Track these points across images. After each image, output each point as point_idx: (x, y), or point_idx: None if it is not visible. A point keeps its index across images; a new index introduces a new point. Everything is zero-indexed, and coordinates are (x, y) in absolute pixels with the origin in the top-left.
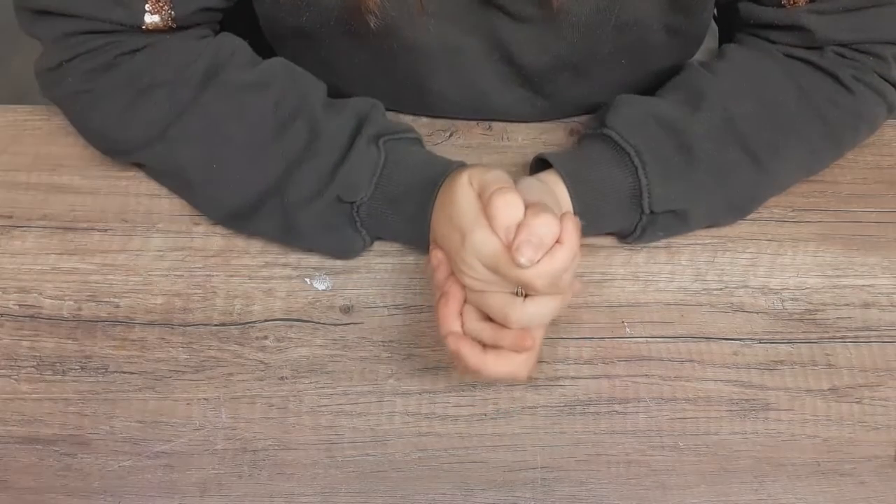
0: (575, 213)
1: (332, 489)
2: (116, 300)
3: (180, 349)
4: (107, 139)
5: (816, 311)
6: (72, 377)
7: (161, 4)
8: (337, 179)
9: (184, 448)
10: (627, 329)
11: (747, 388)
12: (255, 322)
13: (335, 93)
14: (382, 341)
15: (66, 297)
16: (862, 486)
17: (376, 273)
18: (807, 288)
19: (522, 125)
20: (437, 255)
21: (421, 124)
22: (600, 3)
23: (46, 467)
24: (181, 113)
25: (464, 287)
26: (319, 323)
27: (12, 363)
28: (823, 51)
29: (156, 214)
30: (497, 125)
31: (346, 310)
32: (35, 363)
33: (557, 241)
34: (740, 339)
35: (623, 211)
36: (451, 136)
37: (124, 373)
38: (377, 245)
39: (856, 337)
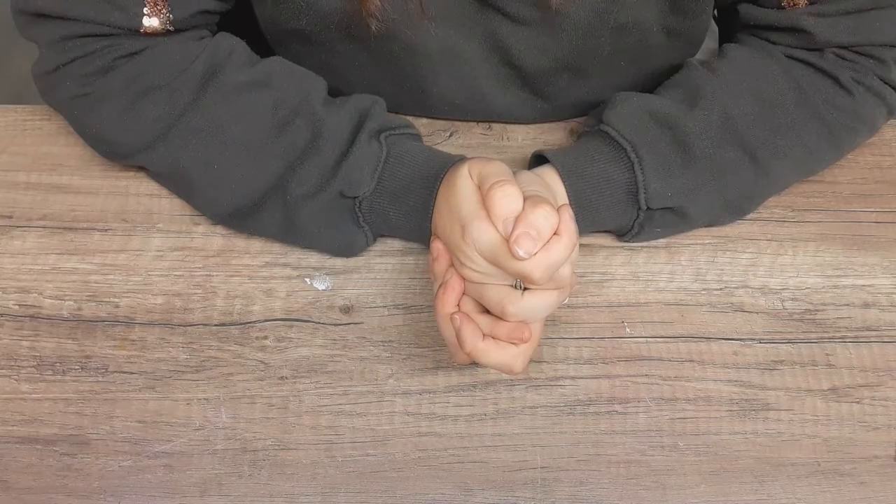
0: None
1: (332, 489)
2: (116, 300)
3: (180, 349)
4: (107, 143)
5: (816, 311)
6: (72, 377)
7: (159, 7)
8: (339, 175)
9: (184, 448)
10: (627, 329)
11: (747, 388)
12: (255, 322)
13: (335, 94)
14: (382, 341)
15: (66, 297)
16: (862, 486)
17: (376, 273)
18: (807, 288)
19: (522, 125)
20: (437, 246)
21: (421, 124)
22: (598, 5)
23: (46, 467)
24: (181, 115)
25: (463, 279)
26: (319, 323)
27: (12, 363)
28: (823, 52)
29: (156, 214)
30: (497, 125)
31: (346, 310)
32: (35, 363)
33: (555, 234)
34: (740, 339)
35: (620, 207)
36: (451, 135)
37: (124, 373)
38: (377, 245)
39: (856, 337)
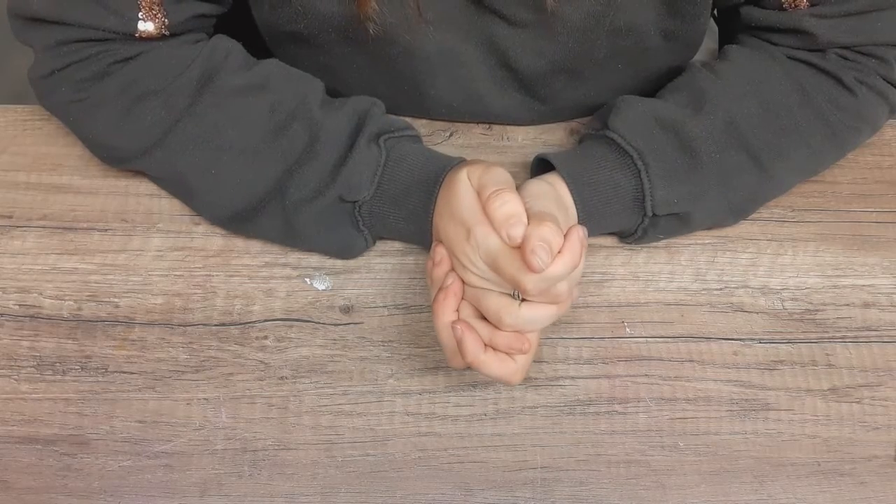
0: (578, 215)
1: (332, 489)
2: (116, 300)
3: (180, 349)
4: (104, 147)
5: (816, 311)
6: (72, 377)
7: (154, 12)
8: (338, 180)
9: (184, 448)
10: (627, 329)
11: (747, 388)
12: (255, 322)
13: (334, 95)
14: (382, 341)
15: (66, 297)
16: (862, 486)
17: (376, 273)
18: (807, 288)
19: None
20: (439, 251)
21: (420, 124)
22: (594, 7)
23: (46, 467)
24: (177, 121)
25: (463, 284)
26: (319, 323)
27: (12, 363)
28: (825, 53)
29: (156, 214)
30: (497, 125)
31: (346, 310)
32: (35, 363)
33: (559, 252)
34: (740, 339)
35: (626, 213)
36: (450, 136)
37: (124, 373)
38: (377, 245)
39: (856, 337)
